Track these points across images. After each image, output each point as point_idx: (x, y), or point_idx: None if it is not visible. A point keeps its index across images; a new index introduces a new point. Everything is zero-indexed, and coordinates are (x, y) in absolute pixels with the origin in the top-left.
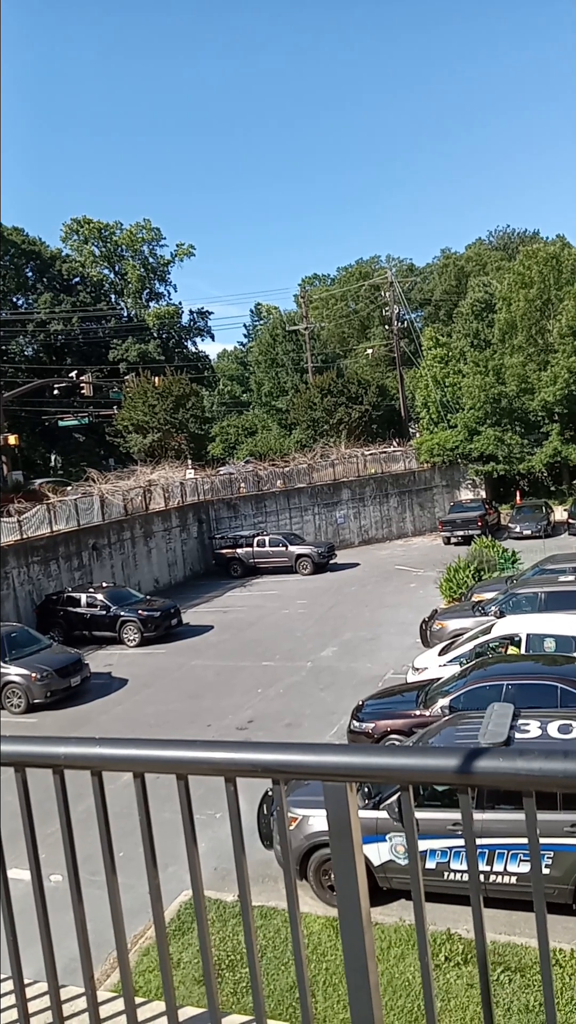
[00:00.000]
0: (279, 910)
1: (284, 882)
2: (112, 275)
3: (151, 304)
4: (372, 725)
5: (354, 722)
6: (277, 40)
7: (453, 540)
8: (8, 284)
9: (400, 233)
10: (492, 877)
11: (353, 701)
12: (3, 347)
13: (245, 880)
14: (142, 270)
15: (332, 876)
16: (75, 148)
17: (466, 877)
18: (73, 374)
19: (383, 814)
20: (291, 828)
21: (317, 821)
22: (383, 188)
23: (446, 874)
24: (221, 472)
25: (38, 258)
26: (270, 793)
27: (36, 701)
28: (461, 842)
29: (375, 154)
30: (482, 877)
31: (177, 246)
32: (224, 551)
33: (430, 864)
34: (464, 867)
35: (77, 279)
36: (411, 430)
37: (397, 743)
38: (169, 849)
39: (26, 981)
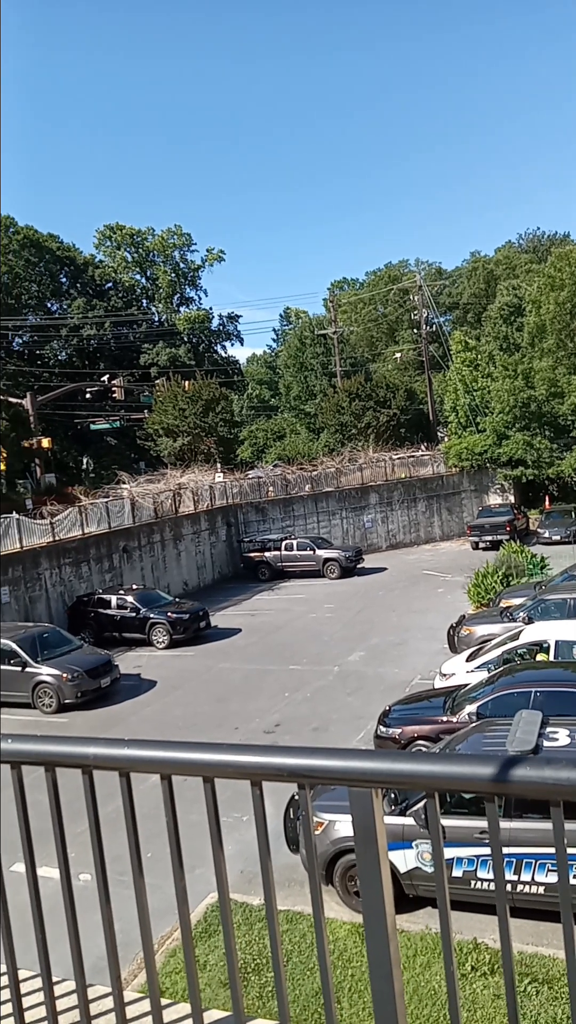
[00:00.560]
0: (305, 915)
1: (310, 887)
2: (144, 280)
3: (182, 309)
4: (399, 730)
5: (381, 727)
6: (303, 41)
7: (481, 545)
8: (43, 290)
9: (429, 237)
10: (520, 887)
11: (380, 706)
12: (37, 351)
13: (271, 884)
14: (173, 275)
15: (358, 882)
16: (108, 155)
17: (493, 886)
18: (105, 378)
19: (409, 820)
20: (317, 833)
21: (343, 826)
22: (412, 191)
23: (473, 883)
24: (250, 476)
25: (72, 264)
26: (296, 797)
27: (67, 701)
28: (488, 851)
29: (403, 156)
30: (509, 887)
31: (207, 251)
32: (252, 554)
33: (457, 872)
34: (491, 876)
35: (109, 284)
36: (439, 434)
37: (424, 749)
38: (195, 851)
39: (54, 979)
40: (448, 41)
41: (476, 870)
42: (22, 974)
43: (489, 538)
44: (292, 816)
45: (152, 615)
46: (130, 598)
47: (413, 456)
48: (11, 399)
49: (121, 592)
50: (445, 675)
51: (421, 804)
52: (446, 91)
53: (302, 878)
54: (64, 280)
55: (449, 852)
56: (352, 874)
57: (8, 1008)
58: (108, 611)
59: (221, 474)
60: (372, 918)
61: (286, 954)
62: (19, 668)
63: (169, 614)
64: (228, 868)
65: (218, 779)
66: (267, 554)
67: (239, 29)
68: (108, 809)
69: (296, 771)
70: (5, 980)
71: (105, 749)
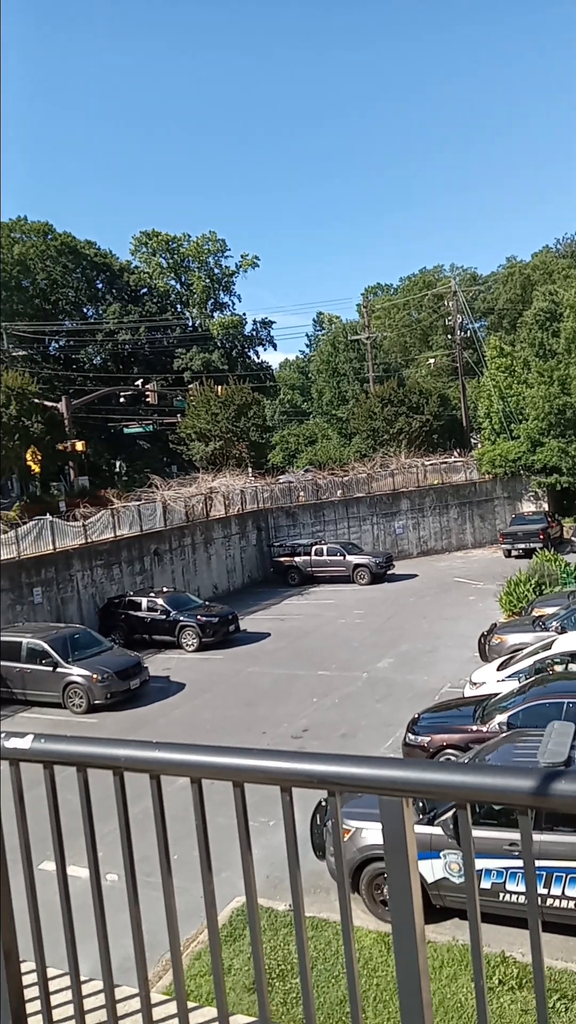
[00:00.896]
0: (330, 922)
1: (337, 895)
2: (178, 286)
3: (215, 314)
4: (428, 739)
5: (409, 735)
6: (339, 40)
7: (514, 553)
8: (80, 295)
9: (464, 242)
10: (549, 900)
11: (409, 714)
12: (73, 356)
13: (299, 891)
14: (207, 281)
15: (385, 891)
16: (140, 161)
17: (522, 899)
18: (139, 383)
19: (437, 830)
20: (344, 840)
21: (370, 834)
22: (447, 195)
23: (501, 895)
24: (281, 480)
25: (108, 270)
26: (323, 803)
27: (97, 702)
28: (518, 863)
29: (435, 157)
30: (539, 900)
31: (242, 257)
32: (282, 559)
33: (485, 884)
34: (520, 888)
35: (145, 290)
36: (472, 441)
37: (453, 758)
38: (221, 854)
39: (82, 978)
40: (487, 34)
41: (505, 882)
42: (50, 972)
43: (522, 546)
44: (319, 822)
45: (182, 618)
46: (160, 601)
47: (445, 462)
48: (46, 403)
49: (151, 595)
50: (475, 684)
51: (449, 814)
52: (485, 89)
53: (328, 885)
54: (100, 286)
55: (477, 864)
56: (378, 883)
57: (36, 1005)
58: (138, 613)
59: (252, 478)
60: (401, 928)
61: (311, 961)
62: (50, 668)
63: (199, 617)
64: (257, 872)
65: (247, 784)
66: (297, 559)
67: (279, 24)
68: (134, 810)
69: (326, 778)
70: (35, 977)
71: (136, 751)
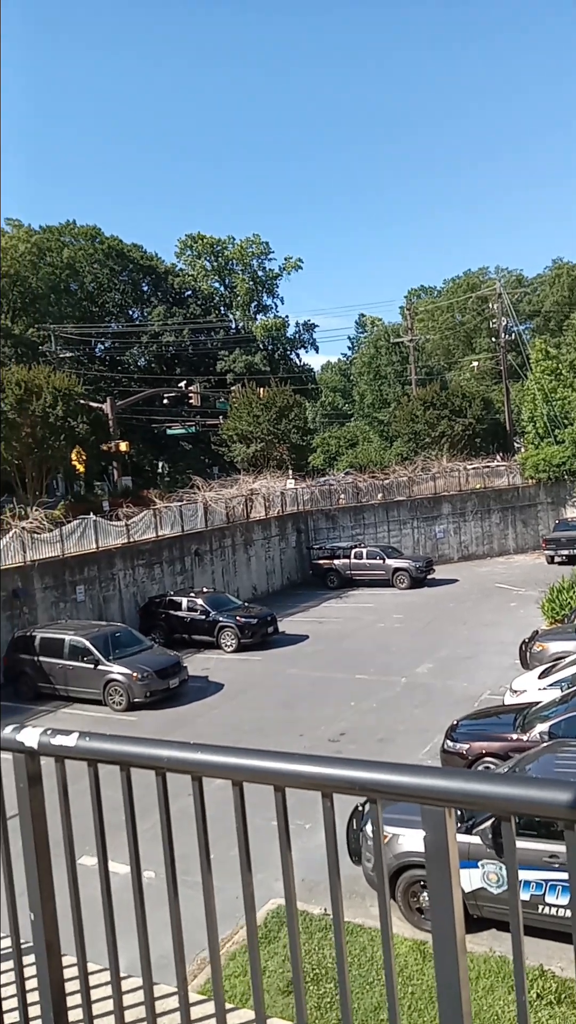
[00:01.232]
0: (365, 928)
1: (379, 903)
2: (222, 288)
3: (259, 317)
4: (467, 746)
5: (448, 742)
6: (380, 43)
7: (557, 559)
8: (125, 298)
9: (509, 244)
10: None
11: (447, 720)
12: (118, 357)
13: (339, 898)
14: (251, 283)
15: (421, 898)
16: (188, 167)
17: (563, 912)
18: (182, 384)
19: (476, 839)
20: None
21: (407, 840)
22: (490, 196)
23: (541, 907)
24: (321, 483)
25: (153, 273)
26: (360, 808)
27: (136, 700)
28: (558, 875)
29: (483, 160)
30: None
31: (285, 260)
32: (321, 561)
33: (524, 896)
34: (561, 901)
35: (189, 292)
36: (516, 445)
37: (492, 767)
38: (256, 857)
39: (121, 974)
40: (530, 40)
41: (544, 894)
42: (90, 967)
43: (565, 552)
44: (355, 827)
45: (221, 618)
46: (200, 601)
47: (488, 467)
48: (92, 403)
49: (192, 595)
50: (516, 692)
51: (488, 823)
52: (527, 91)
53: (363, 890)
54: (146, 288)
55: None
56: (414, 890)
57: (77, 999)
58: (178, 613)
59: (293, 480)
60: (441, 939)
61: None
62: (91, 666)
63: (238, 618)
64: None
65: (288, 788)
66: (336, 562)
67: (315, 34)
68: (171, 809)
69: (368, 785)
70: (75, 971)
71: (179, 752)
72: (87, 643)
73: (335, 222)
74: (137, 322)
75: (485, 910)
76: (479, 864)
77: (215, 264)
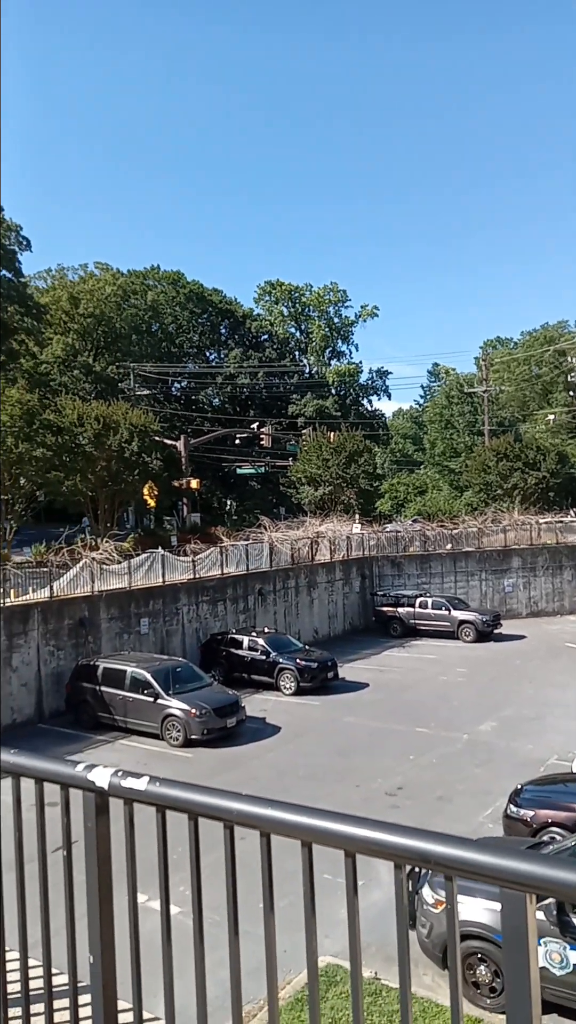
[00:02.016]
0: (417, 997)
1: (449, 982)
2: (298, 333)
3: (332, 362)
4: (532, 813)
5: (511, 807)
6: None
7: None
8: (203, 339)
9: None
10: None
11: (511, 782)
12: (193, 397)
13: (406, 966)
14: (326, 330)
15: (478, 971)
16: (262, 215)
17: None
18: (254, 425)
19: (540, 915)
20: (437, 911)
21: (466, 908)
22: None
23: None
24: (387, 529)
25: (232, 316)
26: (417, 869)
27: (193, 737)
28: None
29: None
30: None
31: (361, 307)
32: (385, 608)
33: None
34: None
35: (265, 336)
36: None
37: (558, 837)
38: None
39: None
40: None
41: None
42: (144, 1014)
43: None
44: (412, 889)
45: (281, 660)
46: (261, 641)
47: (561, 521)
48: (166, 440)
49: (253, 634)
50: None
51: (552, 900)
52: None
53: (415, 956)
54: (223, 331)
55: (573, 956)
56: (471, 962)
57: None
58: (239, 651)
59: (359, 525)
60: None
61: None
62: (151, 699)
63: (298, 660)
64: (342, 936)
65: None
66: (400, 610)
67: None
68: (211, 858)
69: (444, 861)
70: (130, 1017)
71: (248, 807)
72: (148, 676)
73: (413, 271)
74: (213, 363)
75: (546, 992)
76: (542, 942)
77: (292, 310)
